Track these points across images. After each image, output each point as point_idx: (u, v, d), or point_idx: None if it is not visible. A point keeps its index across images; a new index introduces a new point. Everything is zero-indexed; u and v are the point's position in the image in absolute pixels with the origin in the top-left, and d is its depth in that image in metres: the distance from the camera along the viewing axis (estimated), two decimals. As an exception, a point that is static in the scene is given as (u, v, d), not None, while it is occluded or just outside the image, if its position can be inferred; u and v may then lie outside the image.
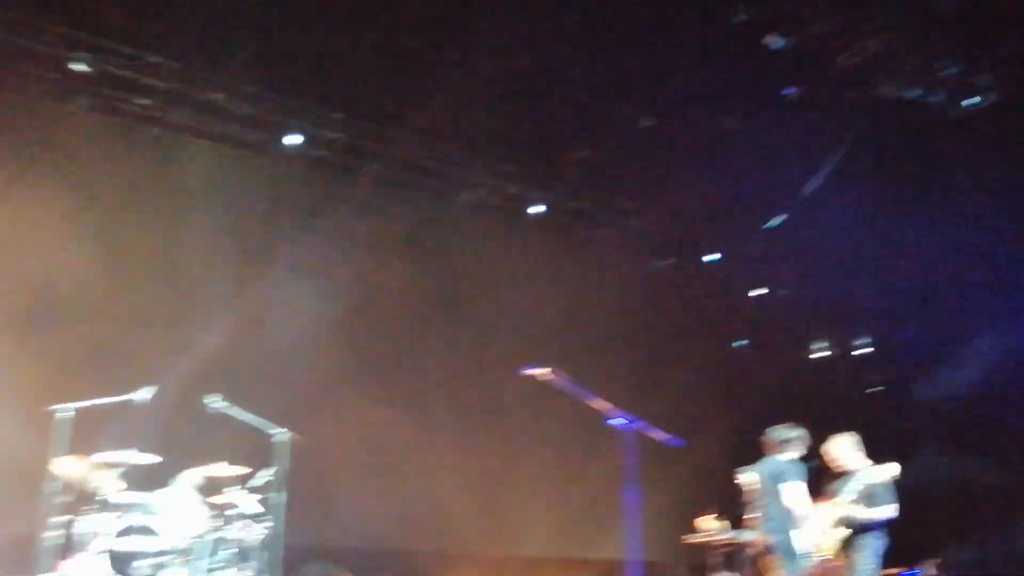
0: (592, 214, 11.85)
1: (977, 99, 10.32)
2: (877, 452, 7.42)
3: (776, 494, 7.11)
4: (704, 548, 9.52)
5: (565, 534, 10.52)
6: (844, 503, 7.27)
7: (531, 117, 10.34)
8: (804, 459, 7.35)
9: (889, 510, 7.24)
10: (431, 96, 9.62)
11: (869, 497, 7.25)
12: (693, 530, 9.74)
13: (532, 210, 11.22)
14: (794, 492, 7.04)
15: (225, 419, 7.49)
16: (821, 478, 7.87)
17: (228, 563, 7.17)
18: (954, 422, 10.90)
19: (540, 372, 5.75)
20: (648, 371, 11.24)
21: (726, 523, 9.40)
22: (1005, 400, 10.49)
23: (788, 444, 7.28)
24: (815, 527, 7.34)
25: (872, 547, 7.23)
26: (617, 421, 5.67)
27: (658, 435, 5.75)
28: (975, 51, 9.86)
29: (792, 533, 7.01)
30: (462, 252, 10.77)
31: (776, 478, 7.16)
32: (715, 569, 9.50)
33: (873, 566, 7.21)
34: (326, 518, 8.77)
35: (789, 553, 6.99)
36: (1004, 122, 10.42)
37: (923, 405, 11.28)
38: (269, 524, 7.40)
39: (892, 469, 7.23)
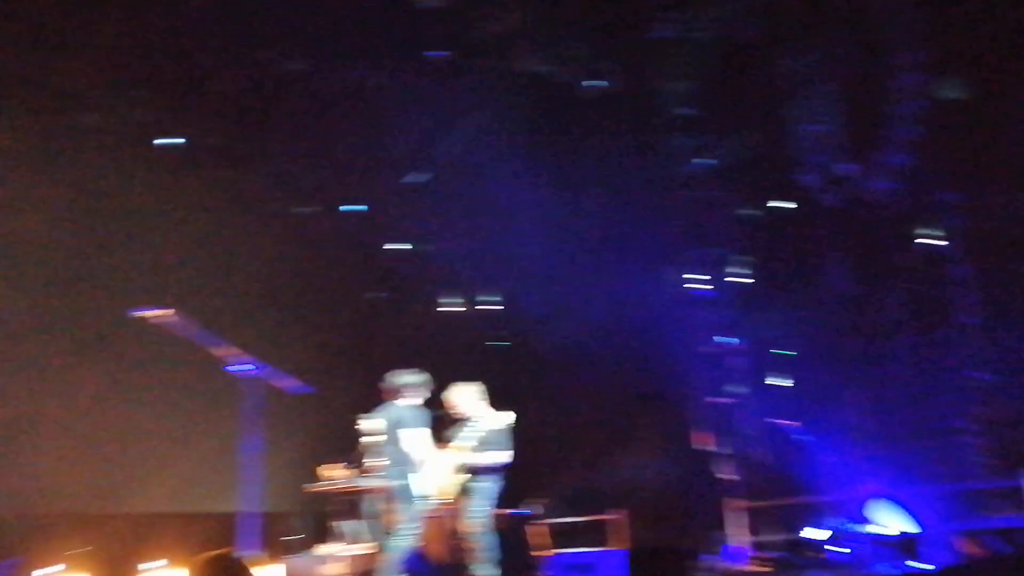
0: (235, 153, 11.21)
1: (602, 83, 11.33)
2: (497, 401, 7.82)
3: (396, 439, 7.25)
4: (327, 496, 9.53)
5: (183, 488, 9.95)
6: (462, 449, 7.54)
7: (176, 47, 9.56)
8: (427, 406, 7.52)
9: (504, 455, 7.64)
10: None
11: (486, 443, 7.56)
12: (317, 479, 9.69)
13: (161, 141, 10.40)
14: (413, 437, 7.20)
15: None
16: (443, 425, 8.16)
17: None
18: (561, 372, 11.78)
19: (159, 313, 5.30)
20: (281, 318, 10.93)
21: (352, 471, 9.47)
22: (599, 354, 11.47)
23: (408, 390, 7.42)
24: (435, 472, 7.58)
25: (487, 490, 7.57)
26: (242, 368, 5.43)
27: (285, 382, 5.59)
28: (602, 37, 10.75)
29: (411, 477, 7.18)
30: (93, 180, 9.63)
31: (396, 424, 7.28)
32: (338, 517, 9.54)
33: (488, 508, 7.55)
34: None
35: (408, 497, 7.16)
36: (622, 105, 11.52)
37: (538, 358, 12.12)
38: None
39: (508, 417, 7.64)
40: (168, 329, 5.34)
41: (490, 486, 7.58)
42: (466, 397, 7.74)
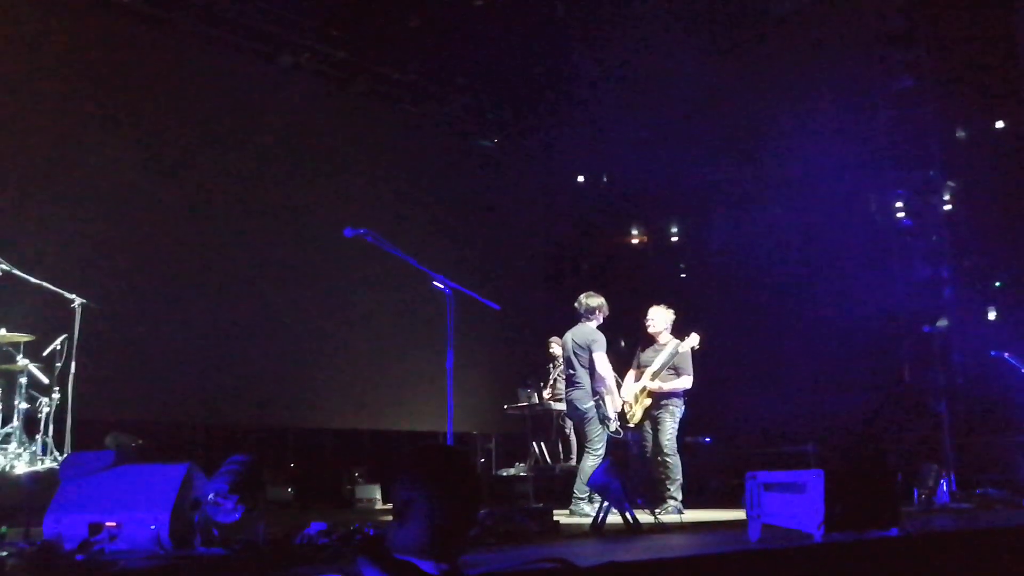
0: (419, 86, 11.45)
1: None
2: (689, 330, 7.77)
3: (583, 360, 7.30)
4: (522, 417, 9.80)
5: (382, 406, 10.47)
6: (653, 373, 7.56)
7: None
8: (609, 329, 7.57)
9: (689, 380, 7.62)
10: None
11: (674, 368, 7.60)
12: (509, 399, 9.96)
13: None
14: (600, 359, 7.24)
15: (13, 284, 6.86)
16: (631, 349, 8.17)
17: (12, 436, 6.69)
18: (756, 303, 11.45)
19: (361, 234, 5.50)
20: (472, 244, 11.18)
21: (539, 391, 9.68)
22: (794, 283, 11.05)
23: (593, 312, 7.45)
24: (624, 394, 7.67)
25: (676, 415, 7.59)
26: (440, 286, 5.58)
27: (479, 298, 5.70)
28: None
29: (600, 399, 7.23)
30: (286, 115, 10.14)
31: (583, 345, 7.33)
32: (532, 437, 9.81)
33: (676, 433, 7.57)
34: (119, 390, 8.26)
35: (596, 418, 7.23)
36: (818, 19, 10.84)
37: (729, 289, 11.84)
38: (58, 395, 6.94)
39: (693, 340, 7.59)
40: (370, 249, 5.53)
41: (677, 410, 7.58)
42: (662, 319, 7.74)
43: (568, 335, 7.55)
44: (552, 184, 12.84)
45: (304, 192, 10.14)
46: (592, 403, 7.22)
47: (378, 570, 2.59)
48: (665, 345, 7.71)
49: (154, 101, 9.15)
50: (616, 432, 7.30)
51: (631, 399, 7.69)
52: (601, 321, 7.49)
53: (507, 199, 12.17)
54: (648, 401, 7.58)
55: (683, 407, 7.61)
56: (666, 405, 7.53)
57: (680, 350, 7.56)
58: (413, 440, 10.32)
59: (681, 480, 7.44)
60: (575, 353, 7.37)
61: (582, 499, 7.10)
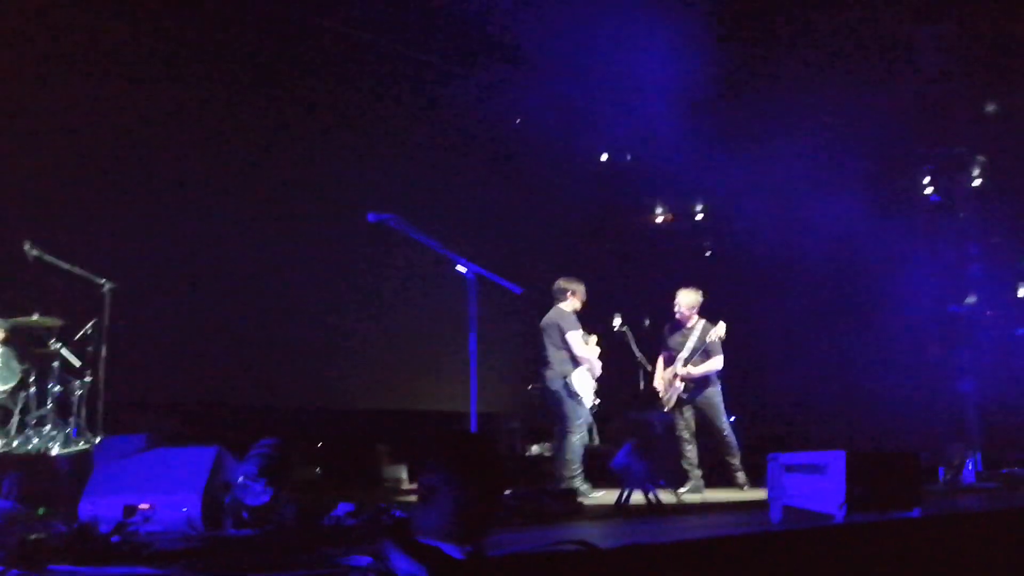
0: (446, 69, 11.43)
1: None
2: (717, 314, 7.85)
3: (552, 340, 7.38)
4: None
5: (409, 386, 10.57)
6: (684, 360, 7.74)
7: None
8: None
9: (720, 361, 7.73)
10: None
11: (705, 351, 7.73)
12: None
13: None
14: (571, 337, 7.33)
15: (45, 268, 6.99)
16: (655, 329, 8.22)
17: (46, 418, 6.85)
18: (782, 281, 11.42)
19: (385, 218, 5.55)
20: (489, 227, 11.19)
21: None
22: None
23: (564, 293, 7.55)
24: (656, 381, 7.82)
25: (719, 395, 7.81)
26: (462, 269, 5.63)
27: (500, 282, 5.74)
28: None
29: (567, 377, 7.29)
30: (314, 91, 10.18)
31: (551, 325, 7.43)
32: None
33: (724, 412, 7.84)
34: (149, 372, 8.40)
35: (566, 396, 7.28)
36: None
37: (759, 269, 11.81)
38: (89, 378, 7.09)
39: (720, 330, 7.72)
40: (394, 233, 5.58)
41: (718, 390, 7.82)
42: (692, 302, 7.84)
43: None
44: (575, 163, 12.80)
45: (331, 174, 10.19)
46: (562, 382, 7.27)
47: (403, 553, 2.65)
48: (692, 328, 7.82)
49: (182, 85, 9.22)
50: (593, 408, 7.33)
51: (664, 385, 7.84)
52: (577, 304, 7.56)
53: (528, 179, 12.15)
54: (681, 385, 7.73)
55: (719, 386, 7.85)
56: (709, 389, 7.79)
57: (709, 339, 7.66)
58: (438, 420, 10.40)
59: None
60: (545, 332, 7.45)
61: (574, 477, 7.12)
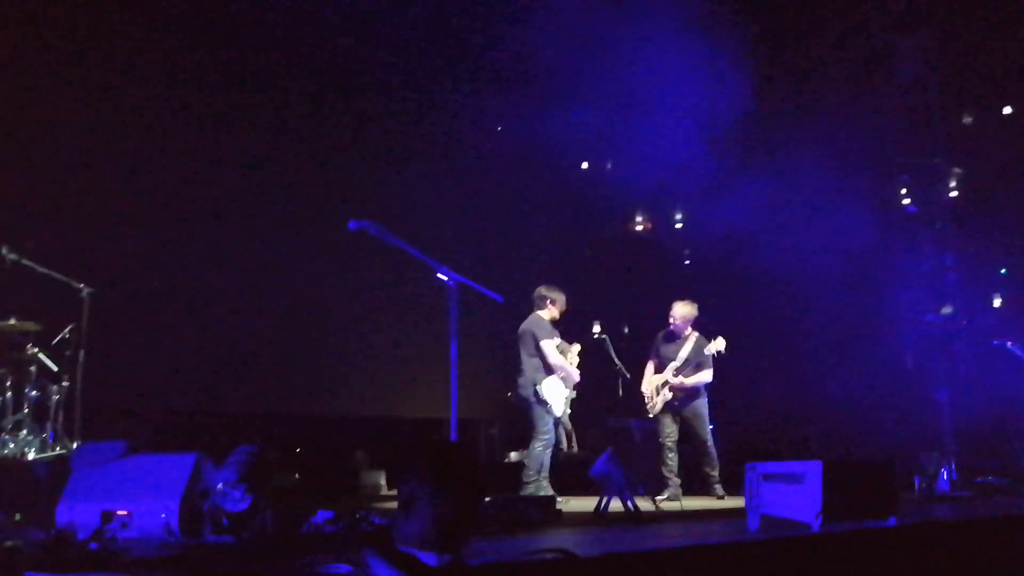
0: (418, 74, 11.43)
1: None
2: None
3: (527, 348, 7.40)
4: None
5: (388, 392, 10.55)
6: (676, 369, 7.87)
7: None
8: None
9: (710, 374, 7.96)
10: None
11: (698, 364, 7.91)
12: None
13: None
14: (545, 346, 7.34)
15: (22, 272, 6.94)
16: (635, 334, 8.28)
17: (23, 423, 6.79)
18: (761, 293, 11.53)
19: (365, 225, 5.54)
20: (469, 235, 11.20)
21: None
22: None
23: (543, 300, 7.56)
24: (644, 386, 7.88)
25: (706, 407, 7.95)
26: (443, 278, 5.63)
27: (481, 290, 5.76)
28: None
29: (536, 385, 7.28)
30: (296, 98, 10.15)
31: (526, 332, 7.45)
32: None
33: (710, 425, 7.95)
34: (128, 378, 8.34)
35: (536, 404, 7.27)
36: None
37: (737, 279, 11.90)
38: (67, 383, 7.03)
39: (720, 344, 7.90)
40: (375, 240, 5.58)
41: (705, 402, 7.97)
42: (687, 315, 7.92)
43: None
44: (556, 171, 12.84)
45: (312, 182, 10.17)
46: (532, 389, 7.29)
47: (383, 562, 2.67)
48: (686, 339, 7.94)
49: (162, 91, 9.17)
50: (559, 417, 7.34)
51: (651, 391, 7.91)
52: (555, 313, 7.56)
53: (508, 188, 12.17)
54: (670, 394, 7.81)
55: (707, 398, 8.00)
56: (698, 400, 7.92)
57: (706, 352, 7.83)
58: (418, 426, 10.41)
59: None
60: (521, 339, 7.48)
61: (530, 484, 7.13)
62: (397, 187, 10.64)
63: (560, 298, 7.59)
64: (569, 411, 7.44)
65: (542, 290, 7.63)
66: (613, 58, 10.80)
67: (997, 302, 11.85)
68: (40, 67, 8.37)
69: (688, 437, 7.88)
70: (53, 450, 6.69)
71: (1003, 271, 11.99)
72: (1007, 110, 11.89)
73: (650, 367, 8.03)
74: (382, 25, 10.40)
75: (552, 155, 12.53)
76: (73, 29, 8.68)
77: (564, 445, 7.51)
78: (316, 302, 9.92)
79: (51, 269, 7.04)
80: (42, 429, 6.83)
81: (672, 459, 7.80)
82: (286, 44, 10.12)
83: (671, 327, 8.05)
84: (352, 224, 5.44)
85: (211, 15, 9.56)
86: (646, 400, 7.94)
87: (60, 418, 6.97)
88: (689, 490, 7.94)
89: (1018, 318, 10.82)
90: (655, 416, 7.91)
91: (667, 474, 7.76)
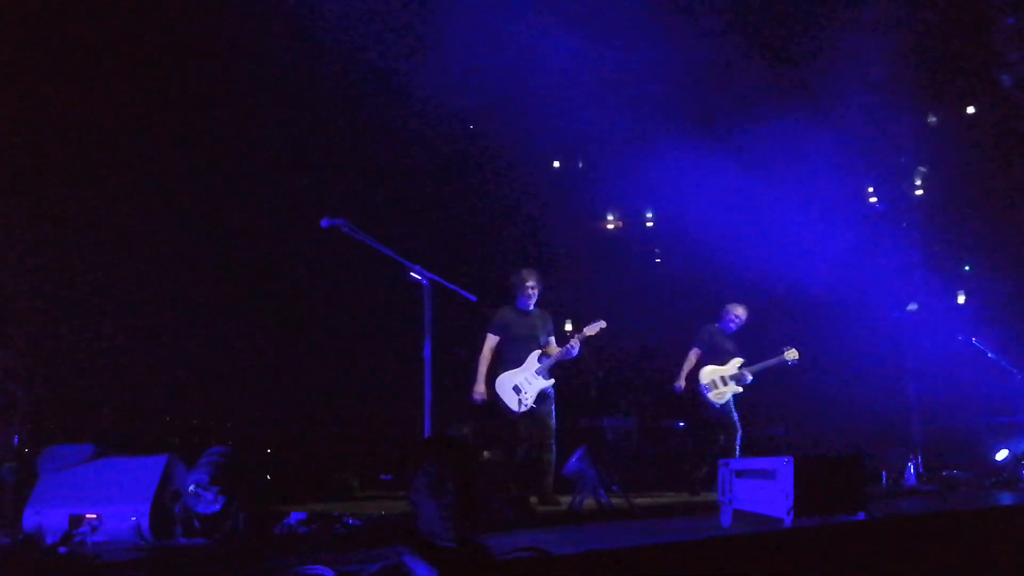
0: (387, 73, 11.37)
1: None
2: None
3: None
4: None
5: (357, 391, 10.49)
6: (754, 372, 8.09)
7: None
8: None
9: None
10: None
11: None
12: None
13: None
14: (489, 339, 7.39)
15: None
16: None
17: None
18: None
19: (337, 223, 5.50)
20: (449, 230, 11.17)
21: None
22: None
23: (513, 288, 7.44)
24: (708, 373, 7.98)
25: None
26: (418, 278, 5.60)
27: (456, 289, 5.74)
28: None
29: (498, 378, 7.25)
30: (265, 96, 10.05)
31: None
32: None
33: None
34: (96, 379, 8.22)
35: (496, 397, 7.23)
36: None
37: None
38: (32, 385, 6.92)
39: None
40: (347, 238, 5.54)
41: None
42: (745, 315, 8.29)
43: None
44: (527, 170, 12.84)
45: (284, 181, 10.08)
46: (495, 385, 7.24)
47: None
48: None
49: (124, 90, 9.04)
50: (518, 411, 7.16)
51: (716, 380, 7.94)
52: (519, 297, 7.38)
53: (481, 186, 12.15)
54: (739, 388, 8.05)
55: None
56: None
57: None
58: (392, 426, 10.35)
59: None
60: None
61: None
62: (369, 186, 10.59)
63: (521, 282, 7.40)
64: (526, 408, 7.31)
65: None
66: (581, 56, 10.83)
67: (961, 298, 12.05)
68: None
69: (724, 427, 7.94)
70: (19, 454, 6.57)
71: (967, 268, 12.19)
72: (970, 110, 12.09)
73: (692, 358, 8.08)
74: (356, 23, 10.34)
75: (524, 153, 12.54)
76: (31, 33, 8.54)
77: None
78: (289, 301, 9.84)
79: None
80: (7, 433, 6.70)
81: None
82: (257, 43, 10.04)
83: (731, 324, 8.21)
84: (324, 222, 5.40)
85: (186, 19, 9.46)
86: (705, 388, 7.93)
87: (25, 421, 6.85)
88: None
89: (982, 313, 11.00)
90: (721, 406, 7.93)
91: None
